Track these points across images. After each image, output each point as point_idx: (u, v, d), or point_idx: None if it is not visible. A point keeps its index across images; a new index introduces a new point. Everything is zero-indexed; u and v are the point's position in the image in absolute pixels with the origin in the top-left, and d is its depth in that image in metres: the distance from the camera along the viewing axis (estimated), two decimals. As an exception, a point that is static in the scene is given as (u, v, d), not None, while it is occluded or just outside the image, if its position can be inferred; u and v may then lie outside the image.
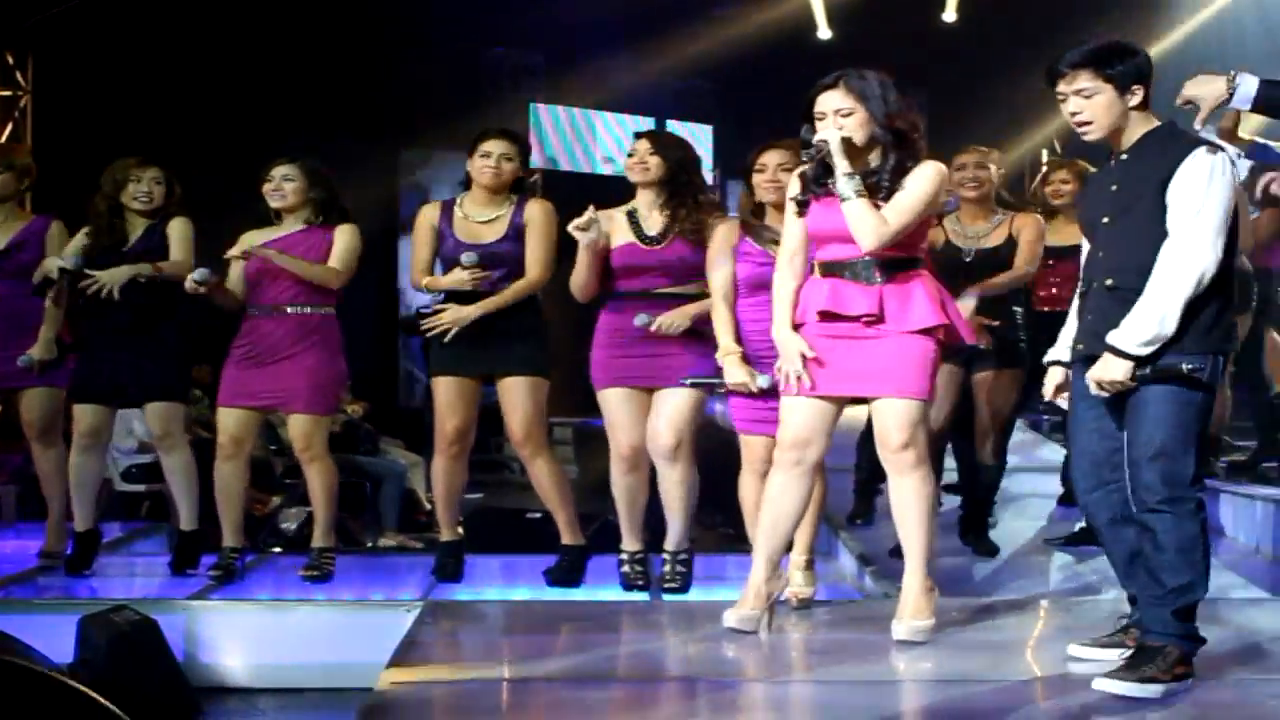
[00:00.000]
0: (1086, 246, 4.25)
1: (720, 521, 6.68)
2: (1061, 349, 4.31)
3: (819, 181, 4.58)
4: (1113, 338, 3.95)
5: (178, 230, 6.00)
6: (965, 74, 12.49)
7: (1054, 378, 4.33)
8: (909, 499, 4.58)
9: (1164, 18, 11.40)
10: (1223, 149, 4.02)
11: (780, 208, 4.91)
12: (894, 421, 4.54)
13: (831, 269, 4.59)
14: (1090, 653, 4.28)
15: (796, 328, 4.61)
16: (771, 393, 4.86)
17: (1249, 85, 4.16)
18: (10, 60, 11.31)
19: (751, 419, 5.10)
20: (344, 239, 5.94)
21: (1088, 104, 4.04)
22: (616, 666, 4.57)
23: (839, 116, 4.51)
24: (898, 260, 4.56)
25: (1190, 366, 3.92)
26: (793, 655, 4.65)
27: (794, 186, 4.70)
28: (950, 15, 12.69)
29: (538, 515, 6.02)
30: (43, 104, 11.35)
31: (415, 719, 3.82)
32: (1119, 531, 4.15)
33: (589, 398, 5.69)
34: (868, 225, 4.49)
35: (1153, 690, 3.87)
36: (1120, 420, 4.06)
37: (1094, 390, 4.01)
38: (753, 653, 4.68)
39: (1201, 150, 3.96)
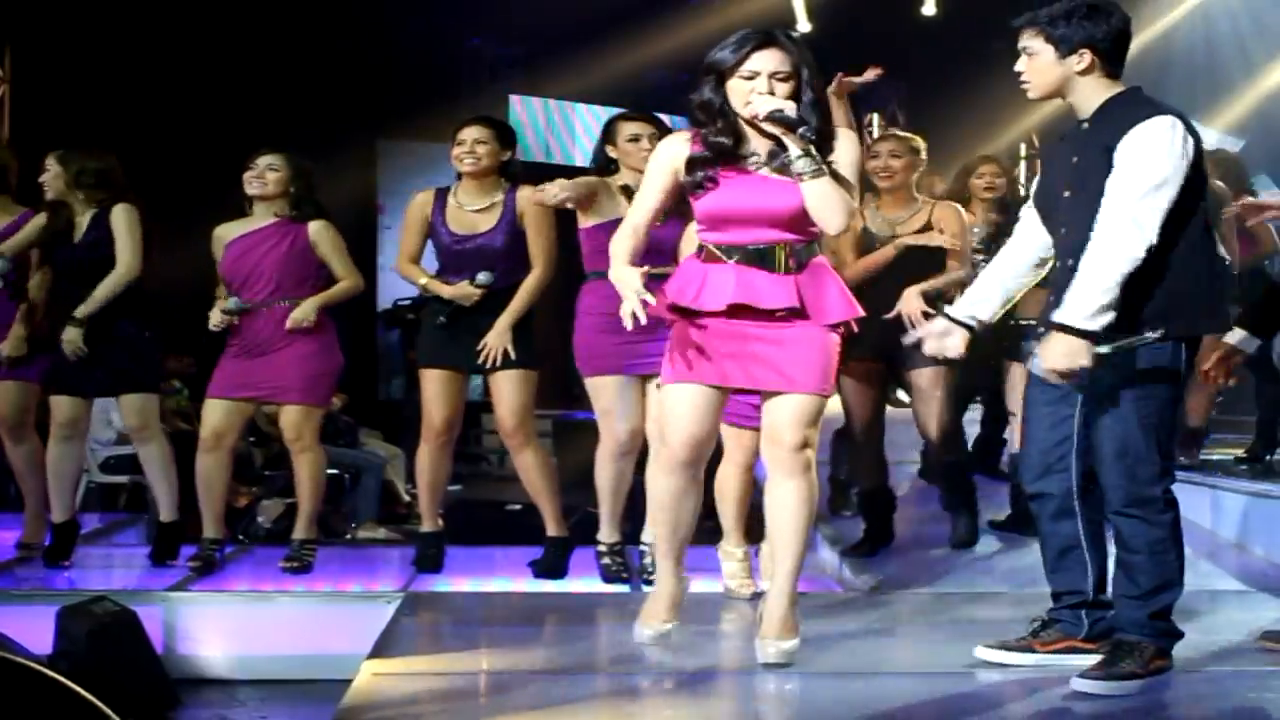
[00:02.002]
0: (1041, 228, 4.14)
1: (701, 514, 6.67)
2: (962, 308, 4.19)
3: (772, 157, 4.10)
4: (1058, 315, 3.79)
5: (122, 219, 5.96)
6: (944, 66, 12.51)
7: (937, 325, 4.20)
8: (794, 503, 4.15)
9: (1145, 10, 11.46)
10: (1185, 121, 3.83)
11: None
12: (794, 418, 4.12)
13: (738, 254, 4.11)
14: (998, 655, 4.16)
15: (681, 310, 4.15)
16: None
17: None
18: (-13, 51, 11.25)
19: (737, 412, 5.00)
20: (330, 239, 5.92)
21: (1028, 62, 3.97)
22: (597, 658, 4.58)
23: (775, 81, 4.04)
24: (807, 246, 4.16)
25: (1155, 335, 3.77)
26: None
27: (673, 153, 4.17)
28: (930, 8, 12.73)
29: (517, 507, 6.03)
30: (20, 94, 11.29)
31: (396, 711, 3.81)
32: (1058, 525, 4.09)
33: (568, 390, 5.69)
34: (839, 205, 4.05)
35: (1131, 687, 3.85)
36: (1072, 410, 3.99)
37: (1054, 380, 3.85)
38: (734, 644, 4.70)
39: (1159, 117, 3.81)
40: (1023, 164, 11.90)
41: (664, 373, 4.27)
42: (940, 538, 6.32)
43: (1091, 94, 3.94)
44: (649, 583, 5.52)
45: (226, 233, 5.97)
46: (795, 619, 4.22)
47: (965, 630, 4.69)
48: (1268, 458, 7.27)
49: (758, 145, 4.13)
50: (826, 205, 4.04)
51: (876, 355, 5.85)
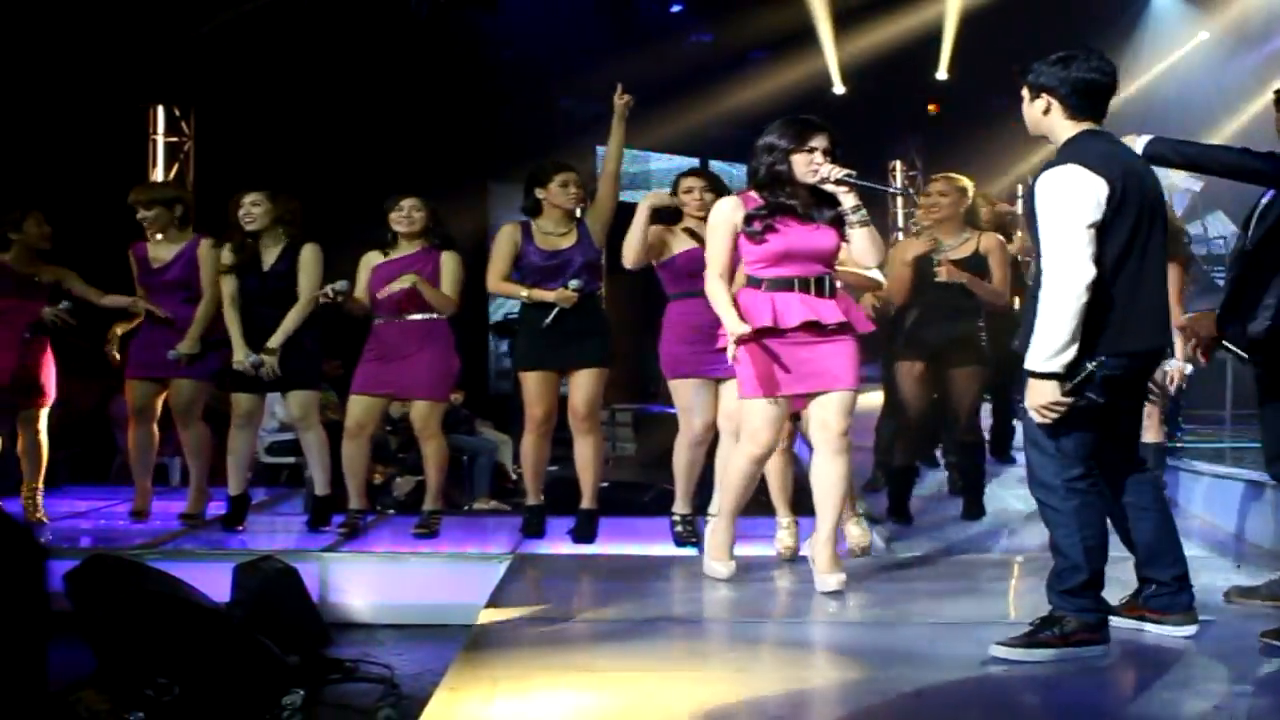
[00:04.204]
0: None
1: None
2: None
3: (832, 206, 4.46)
4: (1027, 360, 3.64)
5: (310, 256, 6.00)
6: (955, 120, 12.41)
7: None
8: (838, 476, 4.52)
9: (1130, 66, 11.33)
10: (1098, 166, 3.60)
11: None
12: (840, 410, 4.49)
13: (795, 285, 4.48)
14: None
15: (764, 333, 4.46)
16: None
17: (1138, 143, 4.07)
18: (177, 113, 11.43)
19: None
20: (452, 269, 5.92)
21: (1023, 106, 3.84)
22: (673, 609, 4.58)
23: (824, 155, 4.44)
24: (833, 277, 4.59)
25: (1093, 365, 3.58)
26: (815, 601, 4.59)
27: (729, 212, 4.54)
28: (943, 74, 12.67)
29: (605, 485, 6.00)
30: (203, 149, 11.46)
31: (508, 651, 3.83)
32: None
33: (646, 387, 5.68)
34: (879, 246, 4.54)
35: (1040, 654, 3.64)
36: None
37: (1038, 419, 3.65)
38: (783, 599, 4.68)
39: (1051, 170, 3.61)
40: (1019, 203, 11.76)
41: (745, 388, 4.54)
42: (943, 512, 6.27)
43: (1060, 134, 3.77)
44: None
45: (373, 259, 5.99)
46: (839, 559, 4.61)
47: (973, 588, 4.67)
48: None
49: (806, 201, 4.50)
50: (873, 245, 4.51)
51: (925, 356, 5.93)
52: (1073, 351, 3.59)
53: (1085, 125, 3.74)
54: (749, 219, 4.52)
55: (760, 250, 4.51)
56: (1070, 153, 3.68)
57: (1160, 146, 4.16)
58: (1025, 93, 3.81)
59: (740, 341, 4.42)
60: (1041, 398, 3.63)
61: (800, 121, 4.51)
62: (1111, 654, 3.75)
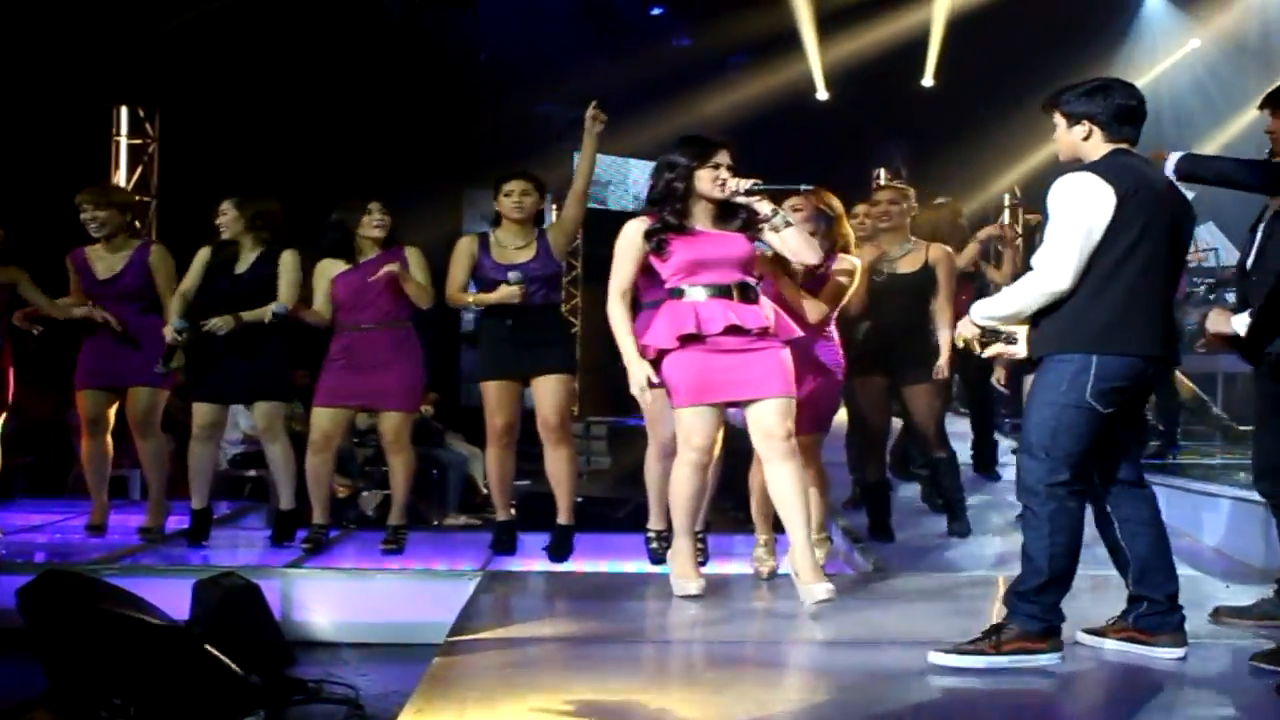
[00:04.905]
0: None
1: (730, 505, 6.65)
2: None
3: (749, 219, 4.62)
4: (971, 311, 4.01)
5: (289, 262, 5.96)
6: (940, 128, 12.46)
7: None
8: (791, 479, 4.51)
9: (1121, 73, 11.39)
10: (1110, 176, 3.83)
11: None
12: (780, 416, 4.53)
13: (717, 291, 4.58)
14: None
15: (685, 340, 4.54)
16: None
17: (1172, 160, 4.40)
18: (141, 113, 11.39)
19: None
20: (421, 263, 5.89)
21: (1056, 132, 4.04)
22: (647, 628, 4.57)
23: (728, 170, 4.60)
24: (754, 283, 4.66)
25: (1005, 335, 3.96)
26: (794, 620, 4.59)
27: (634, 234, 4.65)
28: (929, 80, 12.72)
29: (579, 500, 5.98)
30: (168, 152, 11.43)
31: (476, 671, 3.81)
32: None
33: (621, 400, 5.66)
34: (812, 242, 4.70)
35: (974, 661, 3.74)
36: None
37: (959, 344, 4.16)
38: (761, 618, 4.68)
39: (1066, 175, 3.89)
40: (1005, 212, 11.82)
41: (676, 397, 4.63)
42: (927, 528, 6.28)
43: (1094, 156, 3.96)
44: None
45: (331, 268, 5.93)
46: (821, 568, 4.58)
47: (955, 607, 4.67)
48: None
49: (703, 215, 4.65)
50: (806, 242, 4.66)
51: (883, 371, 5.91)
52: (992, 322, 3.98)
53: (1121, 145, 3.97)
54: (648, 235, 4.65)
55: (672, 264, 4.63)
56: (1092, 164, 3.91)
57: (1190, 163, 4.45)
58: (1061, 120, 4.01)
59: (650, 383, 4.58)
60: (966, 331, 4.06)
61: (702, 140, 4.67)
62: (1100, 677, 3.76)
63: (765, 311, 4.64)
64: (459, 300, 5.82)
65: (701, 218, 4.68)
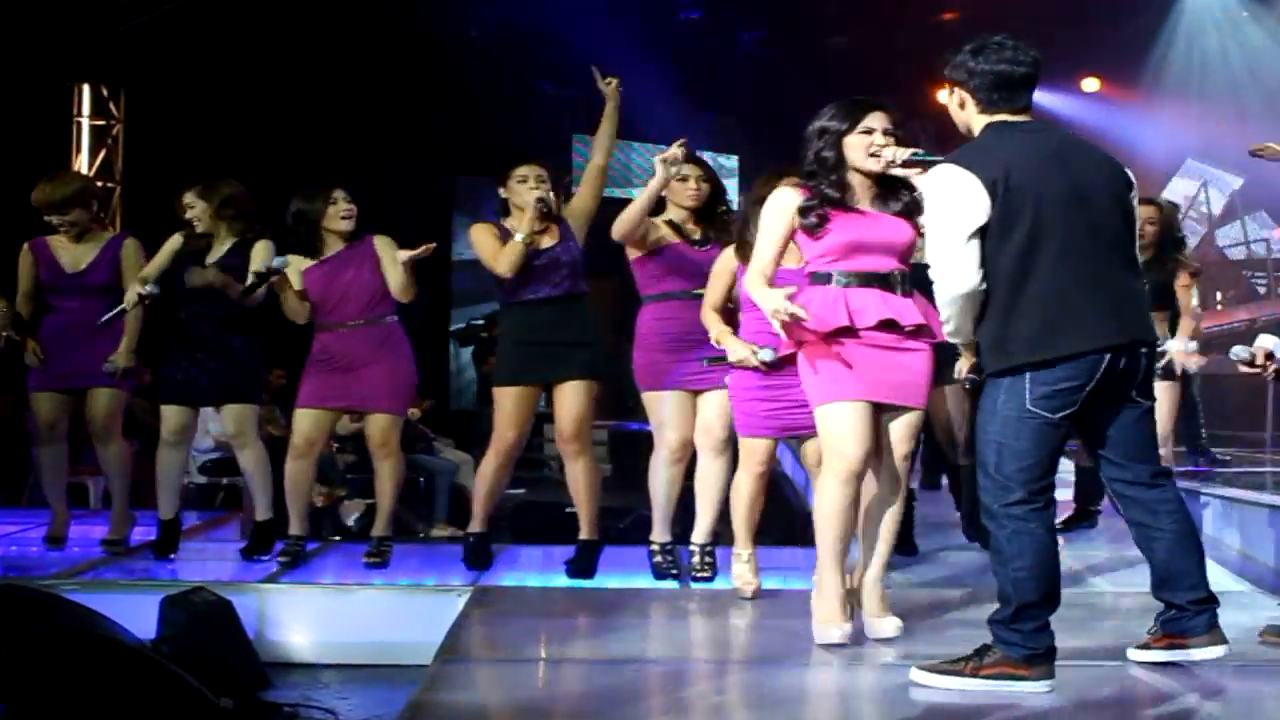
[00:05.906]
0: None
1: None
2: None
3: (914, 203, 4.25)
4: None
5: (263, 253, 5.92)
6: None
7: None
8: (896, 512, 4.40)
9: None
10: (950, 162, 3.72)
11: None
12: (909, 432, 4.34)
13: (871, 280, 4.24)
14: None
15: (838, 332, 4.20)
16: (774, 382, 4.84)
17: None
18: (105, 92, 11.40)
19: (753, 423, 5.01)
20: (391, 252, 5.79)
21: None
22: (648, 649, 4.56)
23: (885, 135, 4.25)
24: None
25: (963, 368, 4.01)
26: (803, 640, 4.52)
27: (789, 203, 4.29)
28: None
29: (570, 510, 5.98)
30: (133, 133, 11.44)
31: (466, 694, 3.80)
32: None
33: (623, 403, 5.65)
34: None
35: (952, 683, 3.72)
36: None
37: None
38: (770, 638, 4.66)
39: (932, 171, 3.79)
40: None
41: (819, 394, 4.27)
42: (951, 540, 6.28)
43: (974, 128, 3.85)
44: (697, 580, 5.47)
45: (298, 265, 5.84)
46: (888, 601, 4.45)
47: (971, 619, 4.64)
48: None
49: (861, 190, 4.30)
50: None
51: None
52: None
53: (1000, 117, 3.81)
54: (803, 210, 4.28)
55: (824, 244, 4.28)
56: (958, 151, 3.79)
57: None
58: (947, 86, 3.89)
59: (795, 340, 4.21)
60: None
61: (853, 101, 4.32)
62: (1086, 704, 3.74)
63: (921, 307, 4.29)
64: (512, 253, 5.49)
65: (861, 194, 4.32)
